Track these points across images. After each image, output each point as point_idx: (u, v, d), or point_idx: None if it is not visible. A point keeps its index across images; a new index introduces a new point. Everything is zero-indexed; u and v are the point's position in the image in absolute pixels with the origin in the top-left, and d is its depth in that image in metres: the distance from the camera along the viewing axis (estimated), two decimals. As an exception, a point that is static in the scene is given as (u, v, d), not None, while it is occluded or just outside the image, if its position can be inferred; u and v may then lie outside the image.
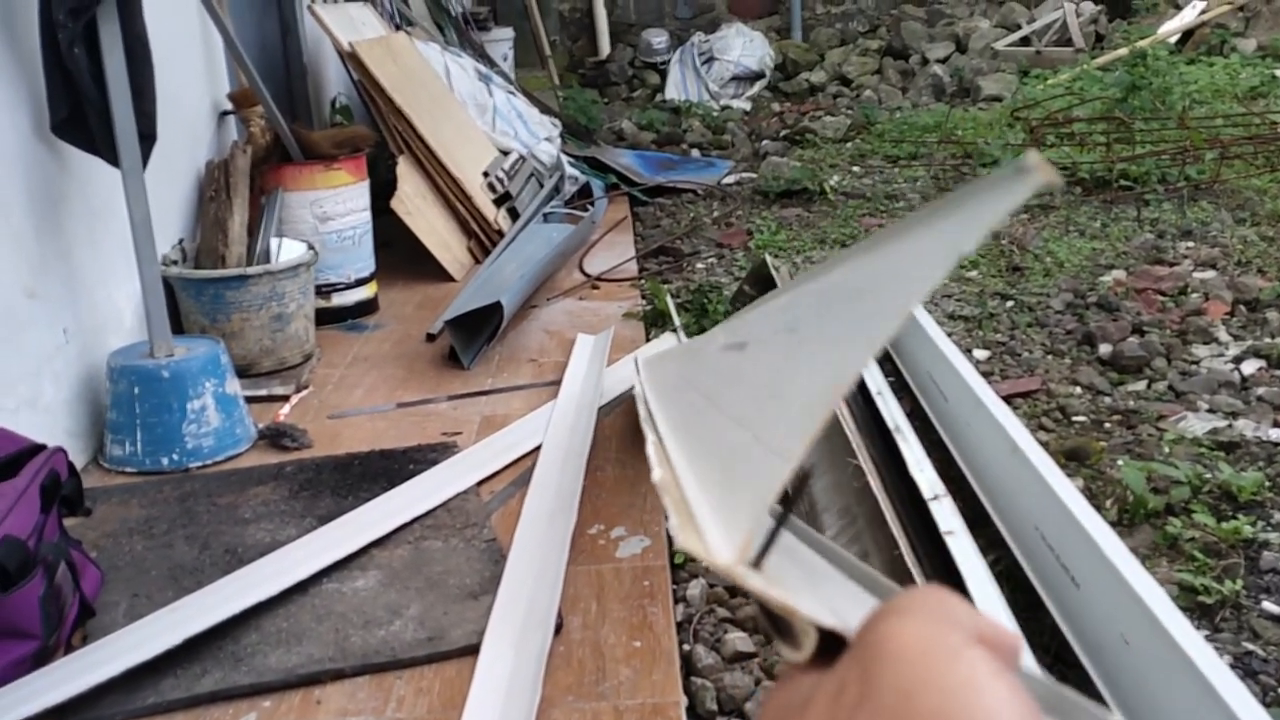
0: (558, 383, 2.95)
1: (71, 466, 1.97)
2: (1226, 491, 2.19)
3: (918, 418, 2.53)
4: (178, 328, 2.98)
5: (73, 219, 2.64)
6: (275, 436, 2.67)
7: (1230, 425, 2.51)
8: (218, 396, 2.61)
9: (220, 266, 3.09)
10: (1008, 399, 2.51)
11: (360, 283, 3.67)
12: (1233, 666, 1.63)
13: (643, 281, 3.96)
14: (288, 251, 3.25)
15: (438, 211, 4.18)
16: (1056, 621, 1.73)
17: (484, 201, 4.33)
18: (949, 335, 2.74)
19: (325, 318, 3.50)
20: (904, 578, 1.69)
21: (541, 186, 4.86)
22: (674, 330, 3.30)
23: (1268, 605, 1.85)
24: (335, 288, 3.59)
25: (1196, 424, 2.53)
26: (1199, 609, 1.85)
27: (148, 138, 2.62)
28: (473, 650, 1.77)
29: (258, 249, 3.23)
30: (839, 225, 4.57)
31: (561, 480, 2.37)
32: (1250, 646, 1.75)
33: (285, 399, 2.95)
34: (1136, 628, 1.48)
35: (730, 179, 5.65)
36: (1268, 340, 2.99)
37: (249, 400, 2.80)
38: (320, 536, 2.14)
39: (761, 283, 3.29)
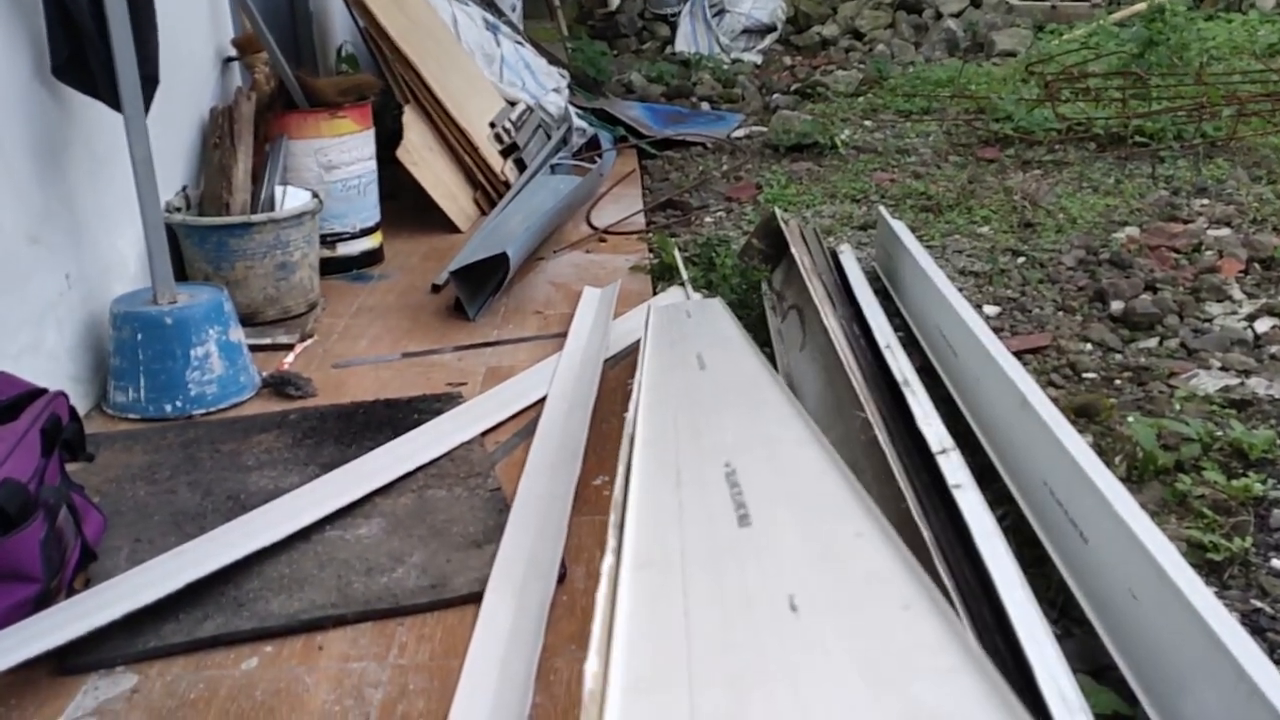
0: (563, 335, 2.93)
1: (73, 411, 1.96)
2: (1237, 449, 2.16)
3: (927, 373, 2.50)
4: (181, 275, 2.96)
5: (75, 165, 2.61)
6: (279, 385, 2.65)
7: (1242, 383, 2.48)
8: (221, 344, 2.60)
9: (224, 214, 3.06)
10: (1018, 355, 2.48)
11: (365, 232, 3.64)
12: (1240, 623, 1.61)
13: (650, 235, 3.92)
14: (292, 200, 3.22)
15: (444, 162, 4.14)
16: (1063, 576, 1.71)
17: (491, 152, 4.28)
18: (959, 290, 2.71)
19: (330, 267, 3.48)
20: (911, 531, 1.67)
21: (549, 138, 4.81)
22: (681, 284, 3.27)
23: (1276, 563, 1.83)
24: (340, 237, 3.56)
25: (1208, 381, 2.50)
26: (1207, 566, 1.83)
27: (150, 80, 2.58)
28: (475, 598, 1.77)
29: (262, 197, 3.20)
30: (849, 179, 4.52)
31: (566, 431, 2.35)
32: (1258, 604, 1.74)
33: (289, 348, 2.93)
34: (1145, 583, 1.46)
35: (740, 133, 5.59)
36: (1282, 299, 2.95)
37: (253, 349, 2.79)
38: (324, 484, 2.13)
39: (770, 236, 3.26)
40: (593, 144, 5.06)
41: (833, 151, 4.97)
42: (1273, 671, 1.23)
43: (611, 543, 1.31)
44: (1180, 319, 2.88)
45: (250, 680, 1.62)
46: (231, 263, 3.00)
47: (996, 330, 2.79)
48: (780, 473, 1.46)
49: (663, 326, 2.47)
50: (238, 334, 2.68)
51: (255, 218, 3.03)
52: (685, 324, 2.50)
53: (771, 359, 2.66)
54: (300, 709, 1.55)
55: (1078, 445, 1.77)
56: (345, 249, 3.59)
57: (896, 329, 2.67)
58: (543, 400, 2.53)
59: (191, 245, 3.01)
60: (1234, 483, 2.03)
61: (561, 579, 1.83)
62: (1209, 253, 3.35)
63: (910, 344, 2.73)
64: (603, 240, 3.90)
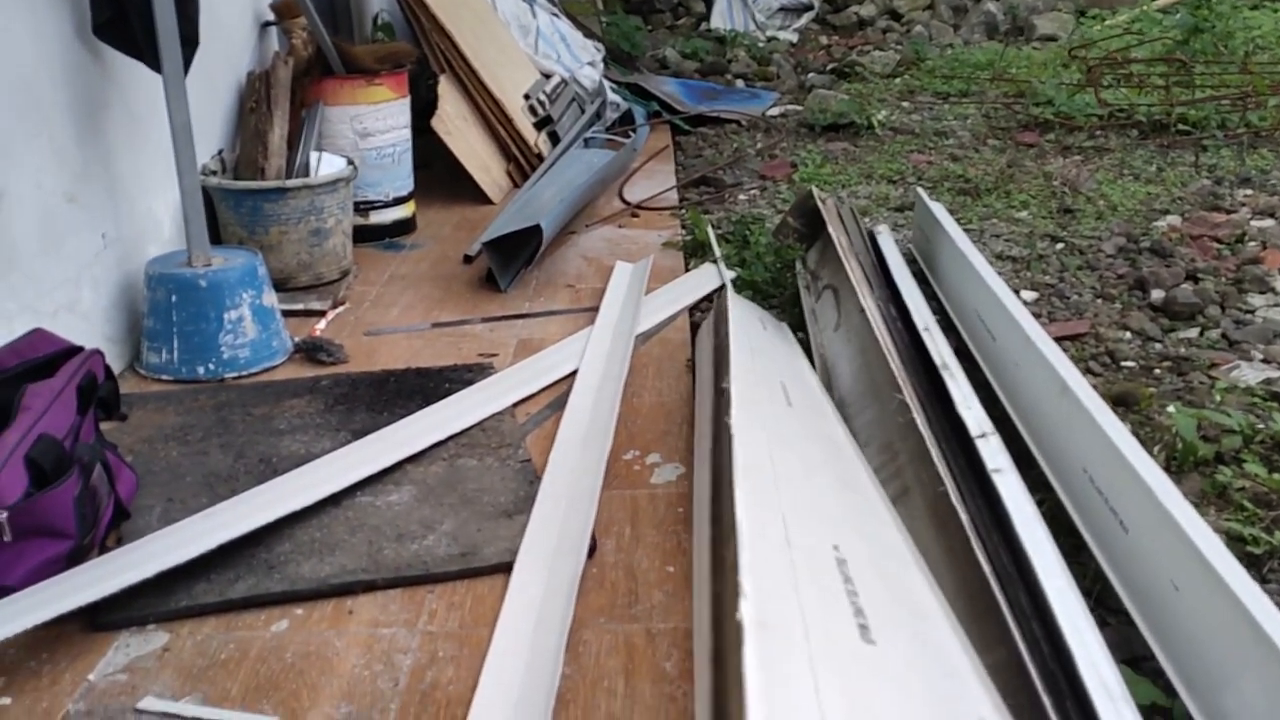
0: (595, 309, 2.92)
1: (108, 369, 1.97)
2: (1279, 442, 2.13)
3: (963, 357, 2.47)
4: (216, 239, 2.96)
5: (114, 125, 2.61)
6: (311, 350, 2.65)
7: (1285, 376, 2.44)
8: (255, 308, 2.60)
9: (259, 178, 3.06)
10: (1055, 341, 2.45)
11: (399, 201, 3.64)
12: (1281, 618, 1.58)
13: (683, 211, 3.89)
14: (327, 166, 3.22)
15: (478, 133, 4.12)
16: (1101, 566, 1.69)
17: (524, 124, 4.26)
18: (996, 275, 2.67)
19: (363, 235, 3.47)
20: (948, 516, 1.65)
21: (583, 112, 4.78)
22: (714, 261, 3.24)
23: (1318, 558, 1.80)
24: (374, 205, 3.56)
25: (1250, 373, 2.46)
26: (1247, 559, 1.80)
27: (190, 42, 2.57)
28: (505, 568, 1.76)
29: (297, 162, 3.19)
30: (886, 160, 4.47)
31: (597, 405, 2.34)
32: (1298, 599, 1.71)
33: (322, 314, 2.93)
34: (1187, 573, 1.44)
35: (775, 111, 5.54)
36: (1327, 292, 2.90)
37: (285, 314, 2.79)
38: (355, 450, 2.13)
39: (806, 215, 3.22)
40: (627, 119, 5.03)
41: (869, 132, 4.92)
42: (1318, 666, 1.21)
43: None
44: (1222, 310, 2.83)
45: (280, 642, 1.62)
46: (266, 227, 3.00)
47: (1034, 316, 2.75)
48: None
49: (741, 326, 2.38)
50: (271, 298, 2.68)
51: (290, 183, 3.03)
52: (762, 335, 2.45)
53: (806, 341, 2.64)
54: (330, 672, 1.55)
55: (1120, 433, 1.75)
56: (378, 217, 3.58)
57: (933, 312, 2.64)
58: (574, 374, 2.51)
59: (226, 209, 3.01)
60: (1275, 475, 1.99)
61: (591, 552, 1.82)
62: (1252, 244, 3.29)
63: (947, 328, 2.70)
64: (635, 215, 3.88)
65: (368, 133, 3.50)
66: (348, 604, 1.71)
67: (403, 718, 1.46)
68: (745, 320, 2.50)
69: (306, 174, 3.16)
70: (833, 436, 1.82)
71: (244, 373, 2.56)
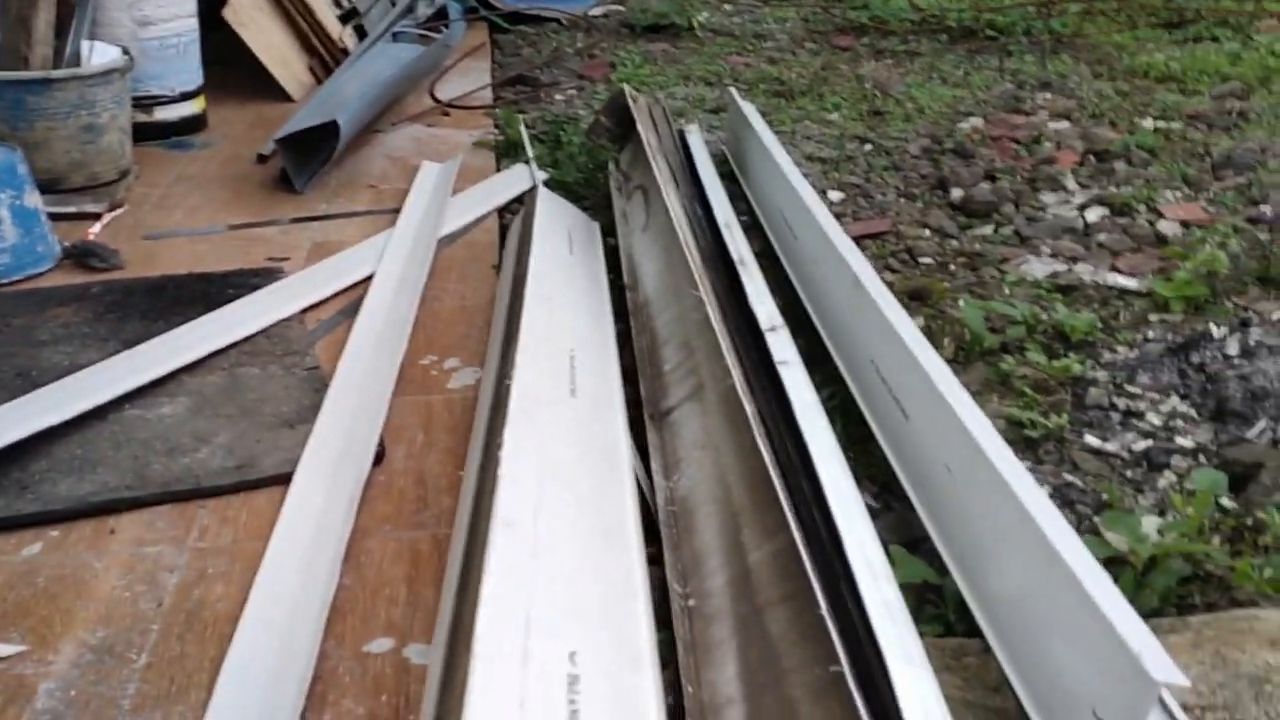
0: (398, 210, 2.79)
1: None
2: (1060, 331, 2.21)
3: (768, 257, 2.47)
4: (-30, 135, 2.69)
5: None
6: (82, 256, 2.45)
7: (1070, 269, 2.54)
8: (14, 209, 2.37)
9: (22, 68, 2.79)
10: (858, 240, 2.47)
11: (186, 97, 3.38)
12: (1051, 496, 1.65)
13: (497, 111, 3.76)
14: (100, 56, 2.95)
15: (276, 25, 3.87)
16: (885, 453, 1.72)
17: (328, 16, 4.02)
18: (805, 176, 2.68)
19: (146, 133, 3.23)
20: (736, 409, 1.65)
21: (393, 4, 4.55)
22: (526, 161, 3.15)
23: (1089, 439, 1.89)
24: (158, 100, 3.30)
25: (1038, 267, 2.55)
26: (1024, 442, 1.87)
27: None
28: (285, 479, 1.67)
29: (67, 52, 2.92)
30: (705, 62, 4.42)
31: (393, 308, 2.25)
32: (1070, 478, 1.78)
33: (96, 217, 2.71)
34: (960, 457, 1.48)
35: (597, 10, 5.40)
36: (1113, 189, 3.02)
37: (55, 217, 2.56)
38: (125, 360, 1.98)
39: (618, 114, 3.15)
40: (441, 14, 4.80)
41: (689, 33, 4.86)
42: (1075, 540, 1.25)
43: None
44: (1016, 207, 2.92)
45: (32, 567, 1.50)
46: (30, 122, 2.75)
47: (839, 216, 2.78)
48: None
49: (543, 259, 2.20)
50: (34, 199, 2.45)
51: (57, 73, 2.77)
52: (567, 262, 2.32)
53: (615, 246, 2.59)
54: (86, 594, 1.45)
55: (905, 325, 1.77)
56: (163, 114, 3.33)
57: (741, 213, 2.63)
58: (370, 278, 2.40)
59: (-17, 102, 2.74)
60: (1055, 363, 2.07)
61: (379, 459, 1.75)
62: (1048, 144, 3.40)
63: (754, 228, 2.70)
64: (446, 114, 3.73)
65: (147, 20, 3.23)
66: (110, 523, 1.60)
67: (165, 639, 1.38)
68: (549, 248, 2.36)
69: (77, 64, 2.90)
70: (607, 440, 1.70)
71: (4, 280, 2.35)
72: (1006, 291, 2.42)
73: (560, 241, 2.44)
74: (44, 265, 2.42)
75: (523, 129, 3.39)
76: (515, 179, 3.05)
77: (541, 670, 1.10)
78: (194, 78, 3.41)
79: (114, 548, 1.54)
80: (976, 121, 3.66)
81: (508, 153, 3.32)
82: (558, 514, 1.36)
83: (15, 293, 2.31)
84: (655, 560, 1.58)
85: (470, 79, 4.11)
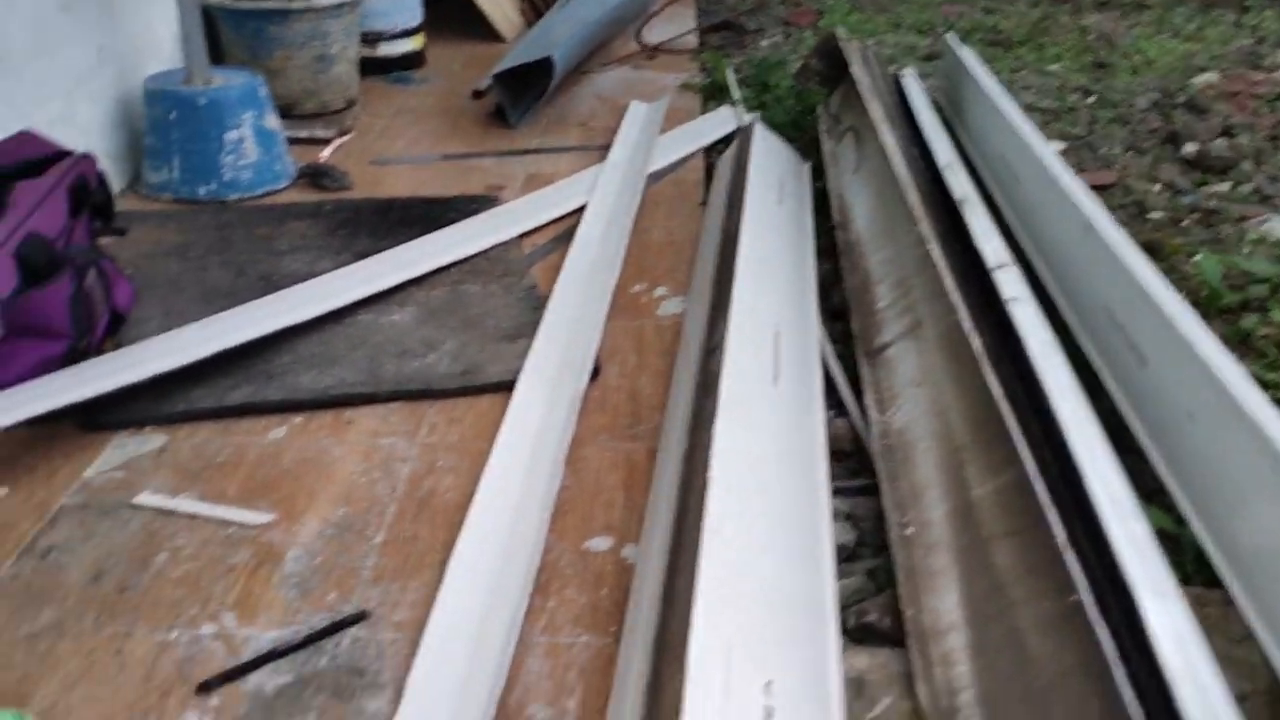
0: (607, 147, 2.83)
1: (101, 176, 1.91)
2: (1306, 293, 2.06)
3: (987, 202, 2.39)
4: (220, 62, 2.86)
5: (108, -69, 2.49)
6: (315, 176, 2.59)
7: (1317, 232, 2.36)
8: (256, 129, 2.52)
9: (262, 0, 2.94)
10: (1081, 190, 2.37)
11: (407, 34, 3.51)
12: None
13: (702, 55, 3.76)
14: (333, -10, 3.08)
15: (492, -33, 3.96)
16: (1116, 402, 1.65)
17: (541, -40, 4.08)
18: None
19: (370, 68, 3.36)
20: (960, 346, 1.61)
21: (602, -49, 4.57)
22: (733, 104, 3.13)
23: (1339, 405, 1.76)
24: (382, 36, 3.44)
25: (1281, 227, 2.38)
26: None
27: None
28: (507, 387, 1.73)
29: (303, -14, 3.06)
30: (916, 10, 4.30)
31: (606, 237, 2.28)
32: (1315, 443, 1.67)
33: (327, 141, 2.85)
34: (1204, 402, 1.40)
35: (802, -40, 5.30)
36: (1366, 151, 2.79)
37: (290, 140, 2.71)
38: (358, 269, 2.08)
39: (829, 57, 3.10)
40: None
41: (899, -18, 4.72)
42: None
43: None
44: (1257, 165, 2.73)
45: (278, 448, 1.61)
46: (270, 51, 2.90)
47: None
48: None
49: (754, 212, 2.15)
50: (274, 122, 2.60)
51: (294, 4, 2.91)
52: (775, 215, 2.25)
53: (824, 188, 2.55)
54: (327, 476, 1.54)
55: (1145, 269, 1.69)
56: (386, 49, 3.46)
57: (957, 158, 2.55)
58: (583, 208, 2.45)
59: (229, 30, 2.91)
60: (1301, 325, 1.94)
61: (595, 376, 1.79)
62: (1291, 102, 3.17)
63: (971, 174, 2.61)
64: (652, 58, 3.74)
65: (376, -41, 3.36)
66: (347, 414, 1.69)
67: (400, 521, 1.45)
68: (759, 197, 2.28)
69: (312, -2, 3.04)
70: (804, 441, 1.61)
71: (246, 195, 2.50)
72: (1246, 250, 2.27)
73: (770, 187, 2.42)
74: (281, 183, 2.57)
75: (729, 72, 3.38)
76: (721, 121, 3.04)
77: (743, 701, 1.06)
78: (415, 15, 3.53)
79: (351, 437, 1.63)
80: (1211, 77, 3.43)
81: (713, 96, 3.32)
82: (757, 525, 1.32)
83: (256, 207, 2.46)
84: (868, 491, 1.56)
85: (675, 24, 4.11)
